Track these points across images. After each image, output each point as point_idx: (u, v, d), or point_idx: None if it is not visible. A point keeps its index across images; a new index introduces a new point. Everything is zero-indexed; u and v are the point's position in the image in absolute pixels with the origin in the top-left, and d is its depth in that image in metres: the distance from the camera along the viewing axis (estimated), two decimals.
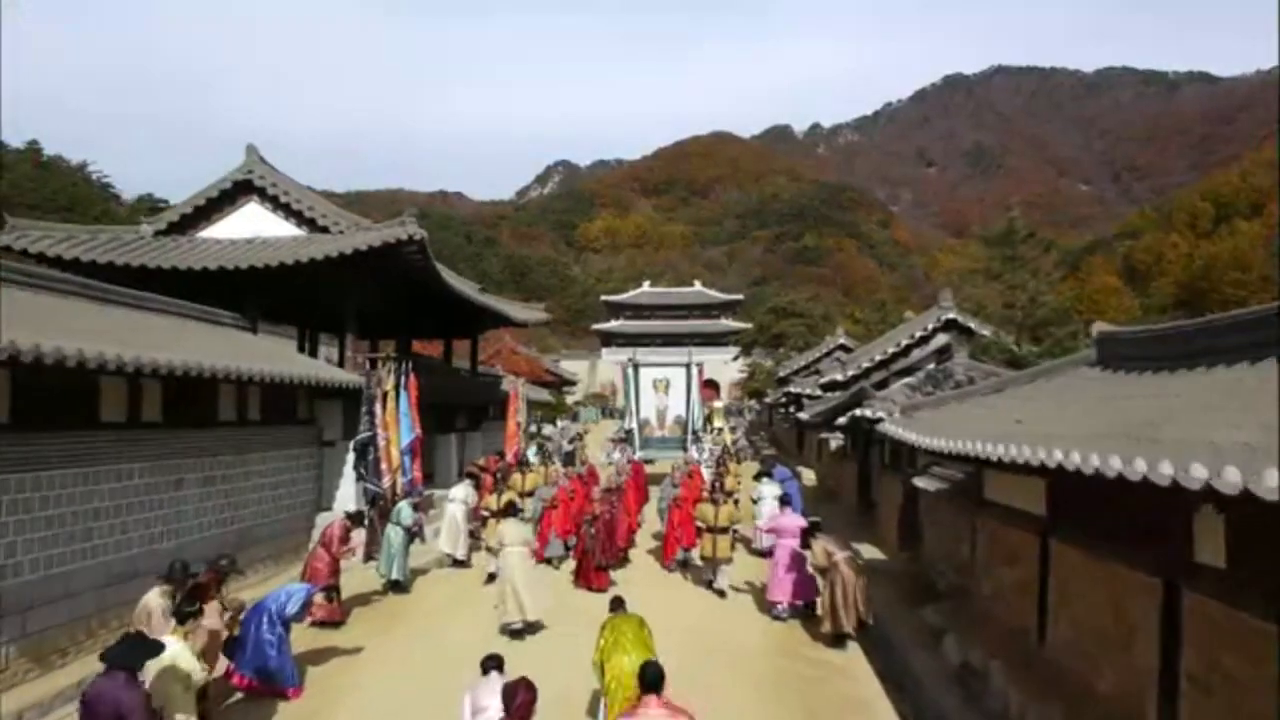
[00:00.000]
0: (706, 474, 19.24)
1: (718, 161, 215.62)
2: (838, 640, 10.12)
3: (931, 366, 16.27)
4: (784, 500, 12.12)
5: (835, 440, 22.64)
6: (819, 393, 22.05)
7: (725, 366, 75.25)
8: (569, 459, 29.36)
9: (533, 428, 42.58)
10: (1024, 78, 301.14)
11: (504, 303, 24.44)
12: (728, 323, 75.80)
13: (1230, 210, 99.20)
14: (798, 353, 37.63)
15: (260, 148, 17.37)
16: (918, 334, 16.05)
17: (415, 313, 20.32)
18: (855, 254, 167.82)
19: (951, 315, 16.03)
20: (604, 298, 79.09)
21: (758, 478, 15.74)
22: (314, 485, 15.74)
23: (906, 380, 15.83)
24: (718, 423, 27.80)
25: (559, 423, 42.57)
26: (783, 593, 11.23)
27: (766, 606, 11.71)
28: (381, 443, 14.77)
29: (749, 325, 78.12)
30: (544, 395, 35.05)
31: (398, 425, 15.24)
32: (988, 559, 10.22)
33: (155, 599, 7.03)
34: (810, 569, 10.84)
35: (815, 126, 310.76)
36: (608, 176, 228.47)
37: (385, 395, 15.13)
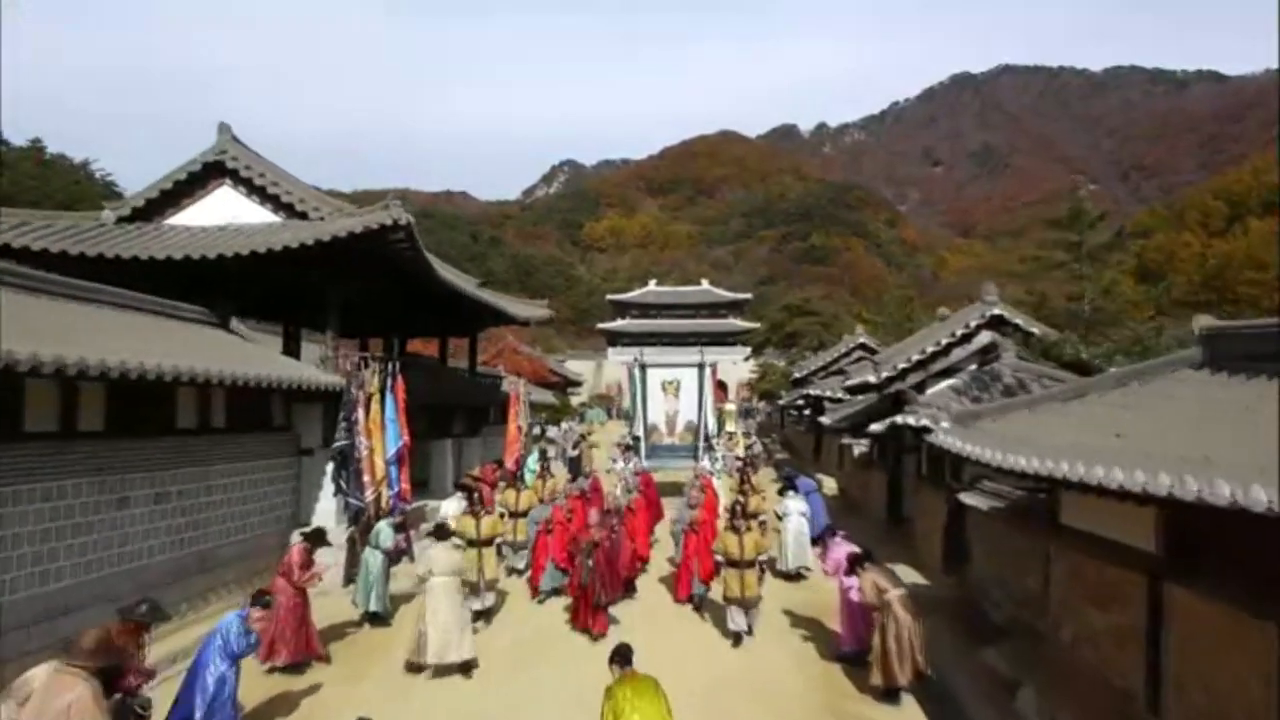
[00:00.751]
0: (720, 486, 17.59)
1: (724, 161, 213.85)
2: (890, 694, 8.50)
3: (974, 368, 14.65)
4: (833, 530, 10.35)
5: (859, 447, 21.01)
6: (843, 395, 20.44)
7: (734, 366, 73.37)
8: (574, 466, 27.83)
9: (536, 429, 40.99)
10: (1031, 77, 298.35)
11: (504, 299, 22.86)
12: (736, 322, 73.65)
13: (1243, 209, 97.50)
14: (812, 352, 35.94)
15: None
16: (959, 332, 14.40)
17: (408, 309, 18.78)
18: (862, 253, 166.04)
19: (997, 310, 14.39)
20: (610, 296, 77.01)
21: (782, 492, 14.11)
22: (290, 498, 14.18)
23: (950, 383, 14.18)
24: (730, 426, 26.05)
25: (564, 424, 40.98)
26: (845, 635, 9.71)
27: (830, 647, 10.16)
28: (364, 452, 13.22)
29: (758, 325, 76.43)
30: (548, 397, 33.43)
31: (383, 432, 13.68)
32: (1068, 596, 8.61)
33: (44, 673, 5.43)
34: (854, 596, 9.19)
35: (821, 126, 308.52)
36: (613, 176, 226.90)
37: (369, 399, 13.59)
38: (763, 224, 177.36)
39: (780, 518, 13.53)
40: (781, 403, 35.10)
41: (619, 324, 73.84)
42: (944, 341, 14.44)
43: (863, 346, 26.18)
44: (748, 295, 79.22)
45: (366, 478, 13.15)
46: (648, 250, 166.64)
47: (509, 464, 21.70)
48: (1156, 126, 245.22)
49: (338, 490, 13.13)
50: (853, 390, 16.75)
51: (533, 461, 21.48)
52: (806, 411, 30.91)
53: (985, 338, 14.63)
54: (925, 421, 12.29)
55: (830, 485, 23.12)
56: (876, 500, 18.52)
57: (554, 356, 73.26)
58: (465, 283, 21.36)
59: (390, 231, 12.92)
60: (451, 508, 13.23)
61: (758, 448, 27.22)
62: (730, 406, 28.33)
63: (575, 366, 71.80)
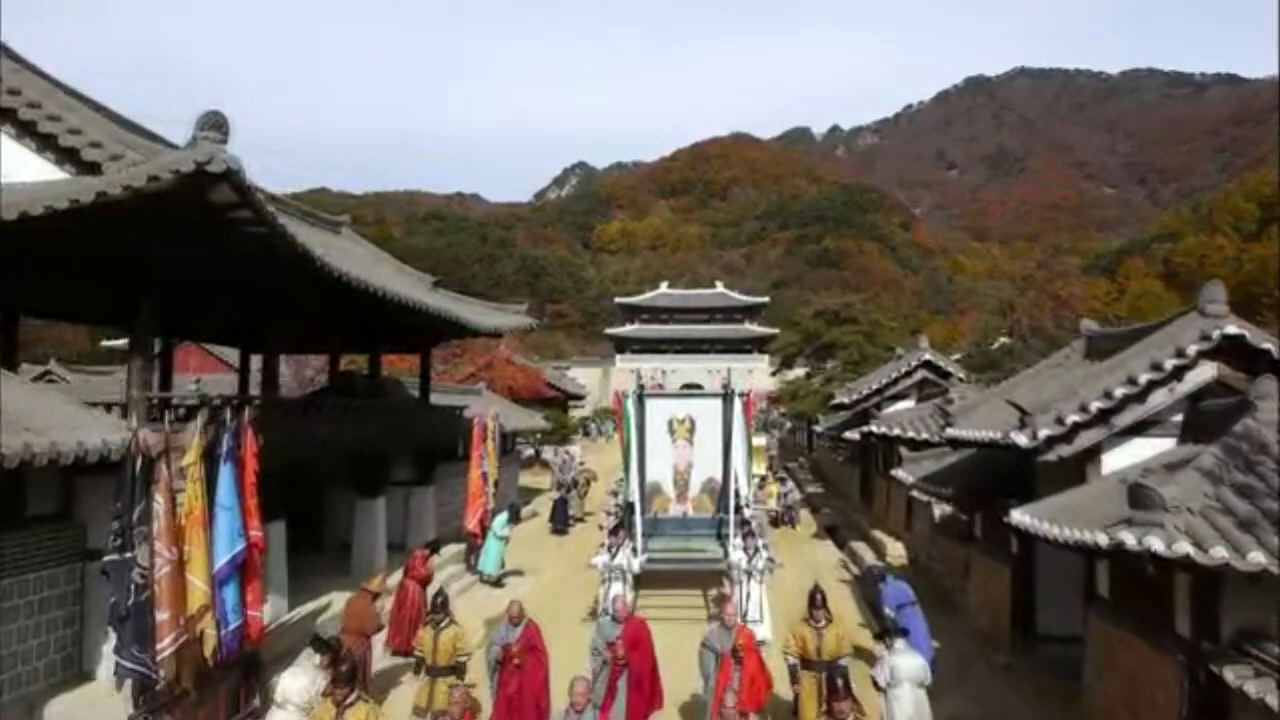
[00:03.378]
0: (758, 601, 11.58)
1: (736, 163, 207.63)
2: None
3: (1178, 418, 8.85)
4: None
5: (942, 508, 15.17)
6: (930, 437, 14.65)
7: (750, 376, 67.47)
8: (559, 514, 21.95)
9: (529, 452, 35.22)
10: (1047, 80, 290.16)
11: (468, 304, 17.10)
12: (752, 328, 68.12)
13: (1275, 211, 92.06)
14: (851, 367, 29.96)
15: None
16: (1168, 363, 8.61)
17: (310, 315, 13.07)
18: (877, 256, 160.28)
19: (1231, 330, 8.60)
20: (618, 299, 71.59)
21: (881, 638, 8.29)
22: (67, 633, 8.51)
23: (1198, 464, 8.24)
24: (759, 467, 19.93)
25: (570, 448, 35.08)
26: None
27: None
28: (161, 569, 7.49)
29: (776, 331, 70.48)
30: (537, 420, 27.39)
31: (206, 531, 7.97)
32: None
33: None
34: None
35: (835, 129, 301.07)
36: (625, 178, 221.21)
37: (180, 474, 7.90)
38: (776, 226, 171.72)
39: (882, 689, 7.67)
40: (818, 428, 28.96)
41: (628, 329, 68.53)
42: (1142, 379, 8.60)
43: (928, 365, 20.35)
44: (765, 299, 73.81)
45: (164, 614, 7.42)
46: (659, 252, 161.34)
47: (470, 525, 16.05)
48: (1174, 130, 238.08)
49: (117, 647, 7.40)
50: (962, 443, 10.96)
51: (500, 525, 15.77)
52: (841, 440, 25.05)
53: (1205, 372, 8.80)
54: (1188, 550, 6.46)
55: (893, 550, 17.25)
56: (987, 598, 12.62)
57: (559, 364, 67.56)
58: (407, 280, 15.69)
59: (201, 184, 7.22)
60: (296, 685, 7.34)
61: (795, 495, 21.17)
62: (761, 441, 21.81)
63: (580, 375, 66.02)
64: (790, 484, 21.67)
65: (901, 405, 20.56)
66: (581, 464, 32.88)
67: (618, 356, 67.19)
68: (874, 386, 20.28)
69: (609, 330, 69.51)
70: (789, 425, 47.36)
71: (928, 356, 20.16)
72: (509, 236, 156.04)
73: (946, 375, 19.47)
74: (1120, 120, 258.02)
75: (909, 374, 20.33)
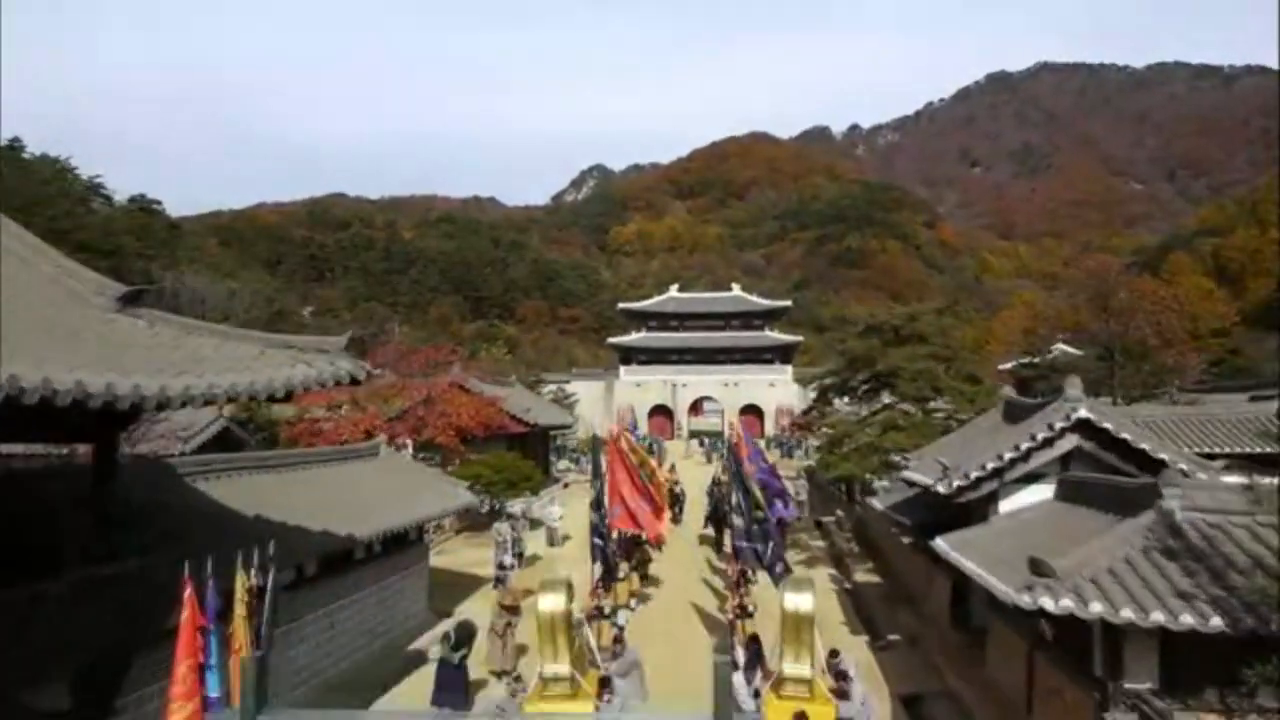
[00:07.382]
0: None
1: (754, 163, 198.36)
2: None
3: None
4: None
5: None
6: (1168, 622, 5.68)
7: (771, 389, 58.37)
8: (449, 681, 13.00)
9: (486, 506, 26.51)
10: (1071, 74, 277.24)
11: (215, 337, 8.38)
12: (773, 334, 59.20)
13: None
14: (917, 408, 20.51)
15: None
16: None
17: None
18: (900, 256, 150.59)
19: None
20: (623, 305, 62.68)
21: None
22: None
23: None
24: (800, 667, 9.31)
25: (543, 507, 26.04)
26: None
27: None
28: None
29: (799, 338, 61.17)
30: (462, 496, 17.44)
31: None
32: None
33: None
34: None
35: (854, 127, 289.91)
36: (641, 179, 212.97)
37: None
38: (796, 226, 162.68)
39: None
40: (876, 503, 18.58)
41: (633, 338, 59.25)
42: None
43: (1088, 428, 11.45)
44: (787, 303, 64.25)
45: None
46: (676, 254, 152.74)
47: None
48: (1203, 123, 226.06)
49: None
50: None
51: None
52: (938, 550, 16.13)
53: None
54: None
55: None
56: None
57: (556, 378, 58.74)
58: (54, 293, 7.06)
59: None
60: None
61: (869, 705, 9.32)
62: (807, 603, 10.88)
63: (581, 390, 57.08)
64: (858, 688, 8.85)
65: (1032, 493, 11.65)
66: (559, 522, 24.12)
67: (623, 369, 58.36)
68: (989, 467, 11.43)
69: (612, 340, 60.64)
70: (817, 447, 38.15)
71: (1085, 413, 11.24)
72: (522, 239, 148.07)
73: (1134, 452, 10.52)
74: (1147, 114, 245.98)
75: (1049, 442, 11.45)
